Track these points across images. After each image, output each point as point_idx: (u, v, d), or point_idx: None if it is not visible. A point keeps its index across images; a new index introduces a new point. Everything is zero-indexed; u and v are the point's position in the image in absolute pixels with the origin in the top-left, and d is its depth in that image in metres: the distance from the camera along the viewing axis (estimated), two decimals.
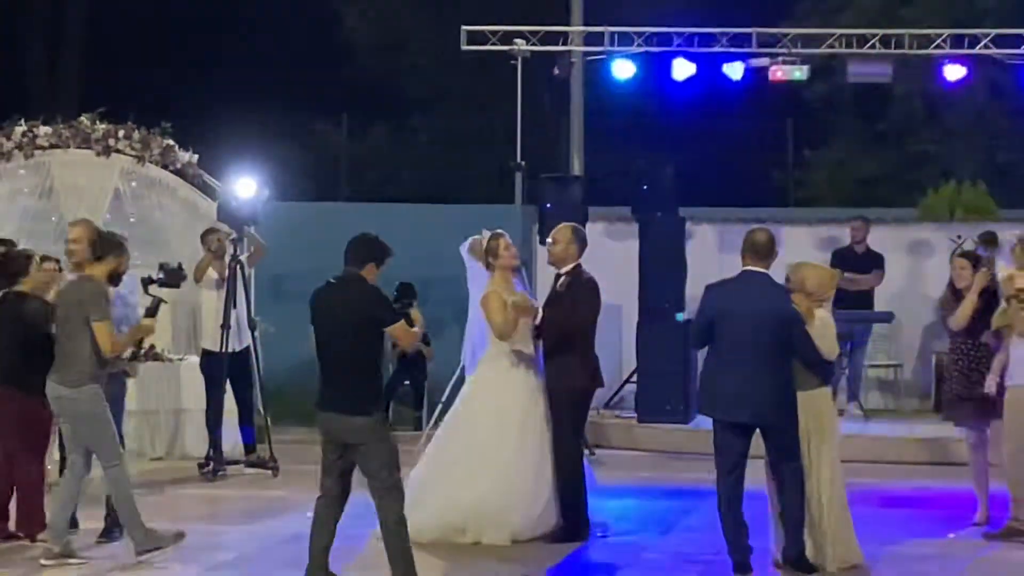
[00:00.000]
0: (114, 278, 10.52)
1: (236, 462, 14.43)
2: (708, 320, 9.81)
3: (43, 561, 10.24)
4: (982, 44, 18.00)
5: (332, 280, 9.42)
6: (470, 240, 11.54)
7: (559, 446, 11.08)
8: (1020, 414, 11.09)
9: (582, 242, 11.34)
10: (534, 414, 11.09)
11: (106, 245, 10.49)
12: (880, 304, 17.65)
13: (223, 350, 14.13)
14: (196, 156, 16.08)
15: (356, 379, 9.21)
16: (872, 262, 17.58)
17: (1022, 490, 11.17)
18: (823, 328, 10.02)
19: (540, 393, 11.13)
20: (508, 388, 11.10)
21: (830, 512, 9.97)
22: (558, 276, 11.31)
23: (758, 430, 9.78)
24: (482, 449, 10.97)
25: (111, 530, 10.89)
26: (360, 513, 9.63)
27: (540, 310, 11.15)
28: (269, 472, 14.13)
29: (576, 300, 11.13)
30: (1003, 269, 11.95)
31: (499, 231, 11.38)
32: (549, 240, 11.49)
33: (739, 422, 9.71)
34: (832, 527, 9.96)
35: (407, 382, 18.48)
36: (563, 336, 11.09)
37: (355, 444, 9.16)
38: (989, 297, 11.54)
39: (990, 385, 11.37)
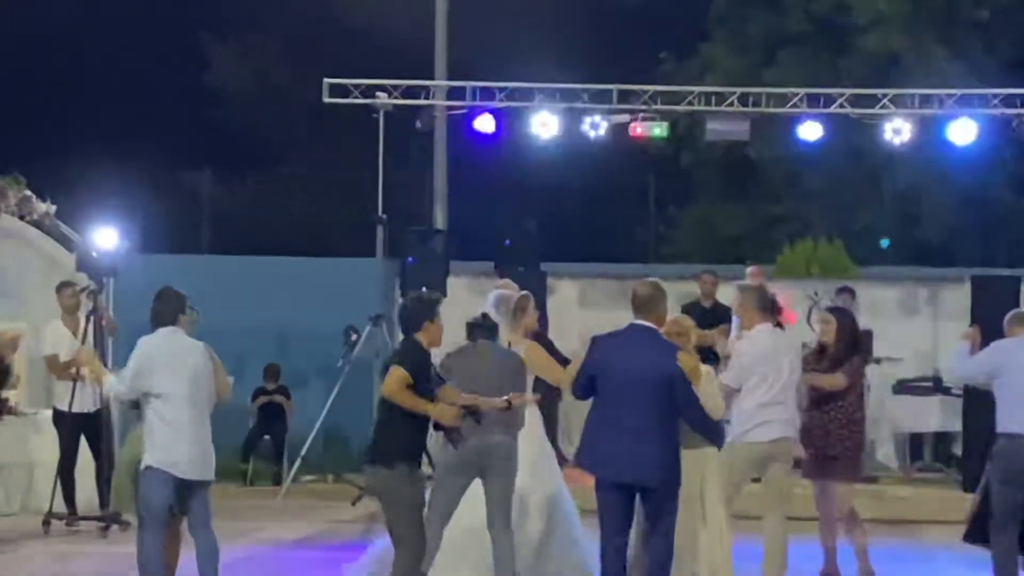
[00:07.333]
0: None
1: (88, 518, 14.15)
2: (591, 373, 9.50)
3: None
4: (837, 103, 18.34)
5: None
6: (499, 293, 11.11)
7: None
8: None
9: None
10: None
11: None
12: None
13: (70, 410, 14.01)
14: (54, 207, 15.88)
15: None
16: (720, 317, 17.63)
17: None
18: (708, 386, 9.90)
19: None
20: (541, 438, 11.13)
21: (723, 571, 10.02)
22: None
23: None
24: (539, 501, 10.83)
25: None
26: None
27: None
28: (118, 527, 13.83)
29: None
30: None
31: (525, 292, 11.28)
32: (519, 309, 11.22)
33: (622, 482, 9.39)
34: None
35: (267, 436, 18.32)
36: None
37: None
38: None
39: None
